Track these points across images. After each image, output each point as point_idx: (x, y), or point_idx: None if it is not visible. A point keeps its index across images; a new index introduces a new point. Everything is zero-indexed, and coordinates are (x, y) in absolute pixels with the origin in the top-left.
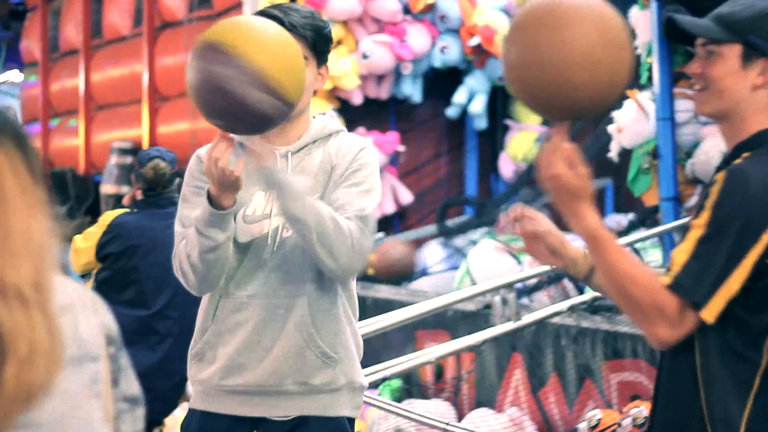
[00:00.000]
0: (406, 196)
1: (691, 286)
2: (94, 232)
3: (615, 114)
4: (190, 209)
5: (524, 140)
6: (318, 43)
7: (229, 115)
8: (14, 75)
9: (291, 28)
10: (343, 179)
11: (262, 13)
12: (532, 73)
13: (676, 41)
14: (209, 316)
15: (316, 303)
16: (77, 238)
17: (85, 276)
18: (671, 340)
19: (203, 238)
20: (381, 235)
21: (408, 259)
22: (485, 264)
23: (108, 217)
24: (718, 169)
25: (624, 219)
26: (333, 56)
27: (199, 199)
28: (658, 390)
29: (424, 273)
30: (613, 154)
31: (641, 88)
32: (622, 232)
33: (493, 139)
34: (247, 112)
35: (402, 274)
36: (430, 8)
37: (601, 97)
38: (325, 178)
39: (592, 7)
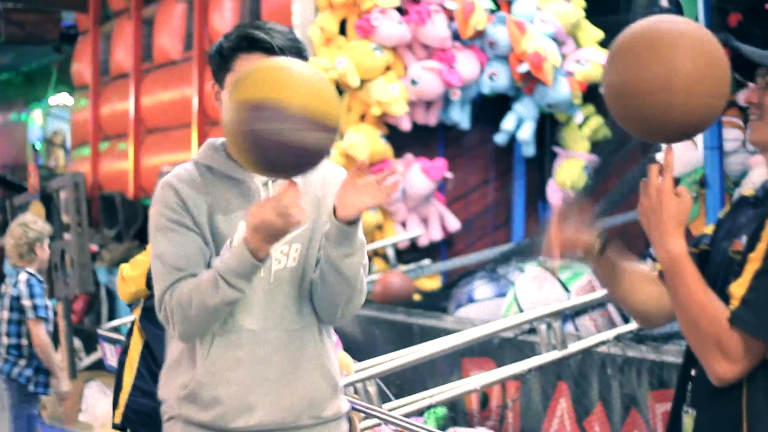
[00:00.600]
0: (454, 223)
1: (753, 320)
2: (143, 260)
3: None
4: (170, 246)
5: (572, 168)
6: None
7: (292, 165)
8: (65, 98)
9: (279, 51)
10: None
11: (249, 39)
12: (640, 99)
13: (733, 69)
14: (201, 355)
15: (322, 332)
16: (124, 266)
17: (132, 305)
18: (731, 377)
19: (230, 289)
20: (428, 262)
21: (407, 291)
22: (532, 292)
23: None
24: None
25: None
26: (382, 82)
27: (179, 235)
28: (700, 418)
29: (470, 300)
30: None
31: None
32: None
33: (541, 166)
34: (308, 155)
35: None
36: (480, 35)
37: (708, 117)
38: (313, 210)
39: (691, 29)
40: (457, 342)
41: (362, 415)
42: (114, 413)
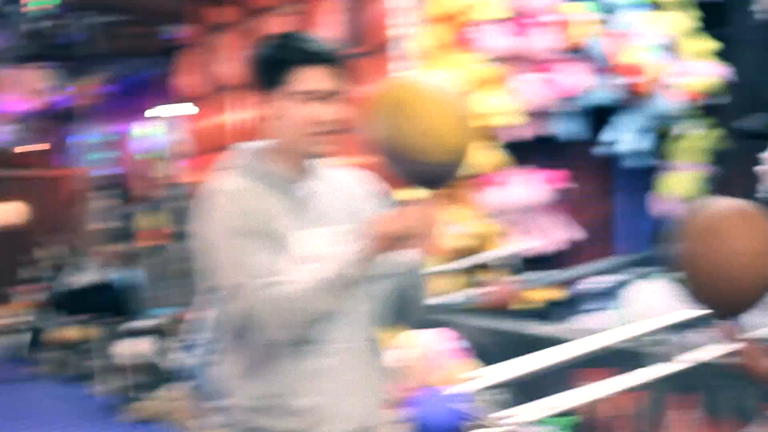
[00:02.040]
0: (569, 234)
1: None
2: None
3: (765, 155)
4: (244, 254)
5: (681, 180)
6: None
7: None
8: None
9: (337, 62)
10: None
11: (303, 51)
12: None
13: None
14: (277, 365)
15: (378, 343)
16: None
17: None
18: None
19: (339, 296)
20: (544, 272)
21: (517, 300)
22: (649, 303)
23: None
24: None
25: None
26: (494, 94)
27: (250, 243)
28: None
29: (587, 310)
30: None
31: None
32: None
33: (649, 178)
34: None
35: None
36: (583, 47)
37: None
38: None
39: (745, 212)
40: (577, 351)
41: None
42: None
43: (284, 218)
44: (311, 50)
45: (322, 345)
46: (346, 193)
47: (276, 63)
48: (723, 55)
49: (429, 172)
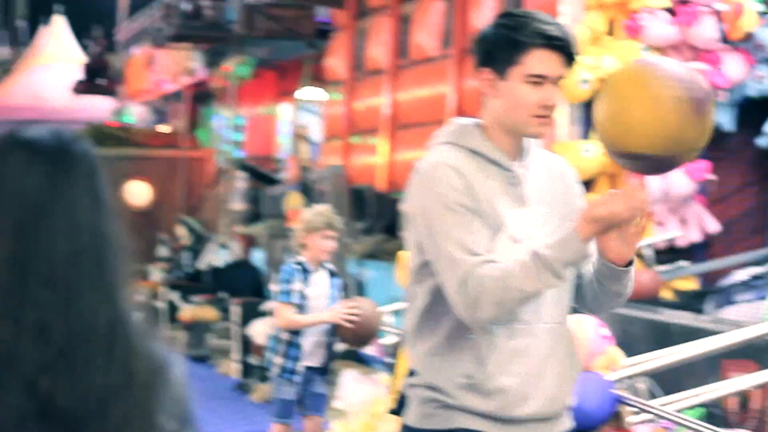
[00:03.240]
0: (713, 225)
1: None
2: None
3: None
4: (462, 229)
5: None
6: None
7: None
8: (314, 93)
9: (570, 55)
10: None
11: (548, 37)
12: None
13: None
14: (485, 345)
15: (567, 327)
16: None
17: None
18: None
19: (554, 277)
20: (685, 263)
21: (656, 289)
22: None
23: None
24: None
25: None
26: None
27: (469, 219)
28: None
29: (729, 302)
30: None
31: None
32: None
33: None
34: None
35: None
36: (749, 37)
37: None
38: (561, 205)
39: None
40: (723, 343)
41: (631, 410)
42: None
43: (501, 196)
44: (551, 35)
45: (517, 325)
46: (558, 175)
47: (513, 43)
48: None
49: (645, 164)
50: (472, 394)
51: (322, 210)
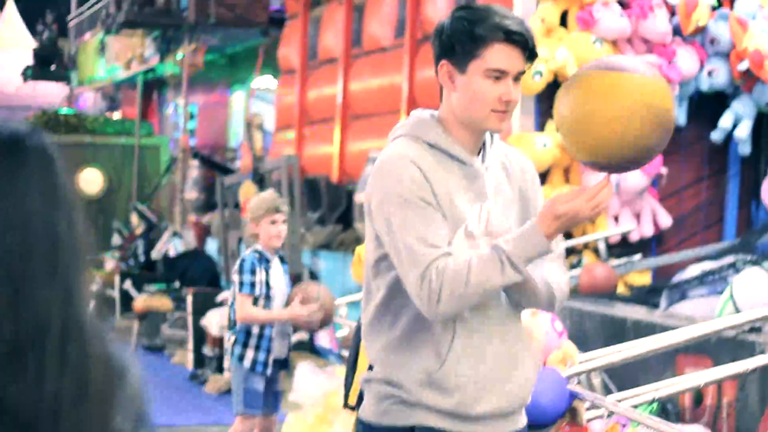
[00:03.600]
0: (666, 220)
1: None
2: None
3: None
4: (422, 222)
5: None
6: None
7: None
8: (268, 81)
9: (530, 50)
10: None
11: (508, 31)
12: None
13: None
14: (446, 340)
15: (523, 323)
16: (362, 249)
17: None
18: None
19: (515, 272)
20: (638, 257)
21: (611, 284)
22: (750, 291)
23: None
24: None
25: None
26: None
27: (428, 212)
28: None
29: (683, 297)
30: None
31: None
32: None
33: (756, 165)
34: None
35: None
36: (701, 31)
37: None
38: (520, 202)
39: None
40: (679, 338)
41: (586, 405)
42: (347, 394)
43: (460, 191)
44: (512, 30)
45: (476, 322)
46: (517, 169)
47: (473, 37)
48: None
49: (608, 168)
50: (430, 390)
51: (265, 196)
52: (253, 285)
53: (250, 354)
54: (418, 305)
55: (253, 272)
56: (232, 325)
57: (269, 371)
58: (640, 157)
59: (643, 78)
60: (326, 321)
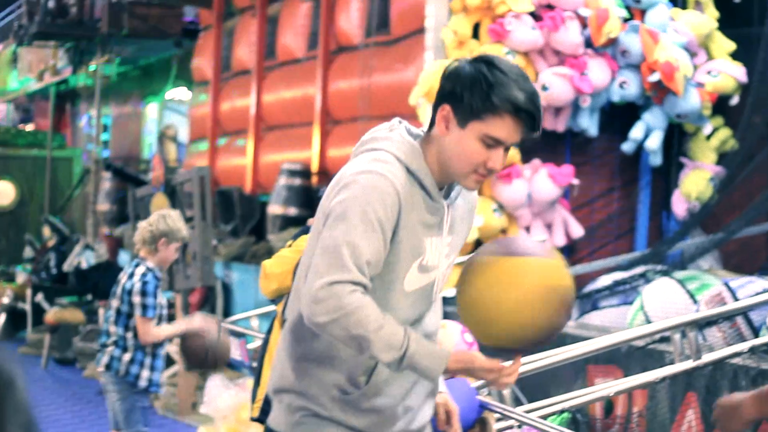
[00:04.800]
0: (577, 230)
1: None
2: (289, 257)
3: None
4: (366, 243)
5: (698, 179)
6: None
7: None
8: (181, 93)
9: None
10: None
11: (521, 110)
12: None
13: None
14: (366, 366)
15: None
16: (267, 263)
17: (275, 300)
18: None
19: (396, 363)
20: None
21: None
22: (660, 301)
23: (304, 241)
24: None
25: None
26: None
27: (377, 237)
28: None
29: (594, 307)
30: None
31: None
32: None
33: (667, 176)
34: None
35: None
36: (612, 43)
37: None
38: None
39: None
40: (589, 348)
41: (496, 416)
42: (252, 407)
43: (422, 224)
44: (524, 107)
45: None
46: (471, 207)
47: (486, 102)
48: (739, 56)
49: (516, 350)
50: (344, 409)
51: (178, 222)
52: (155, 308)
53: (145, 374)
54: (306, 301)
55: (155, 295)
56: (119, 339)
57: (161, 390)
58: (549, 338)
59: (542, 261)
60: (219, 360)
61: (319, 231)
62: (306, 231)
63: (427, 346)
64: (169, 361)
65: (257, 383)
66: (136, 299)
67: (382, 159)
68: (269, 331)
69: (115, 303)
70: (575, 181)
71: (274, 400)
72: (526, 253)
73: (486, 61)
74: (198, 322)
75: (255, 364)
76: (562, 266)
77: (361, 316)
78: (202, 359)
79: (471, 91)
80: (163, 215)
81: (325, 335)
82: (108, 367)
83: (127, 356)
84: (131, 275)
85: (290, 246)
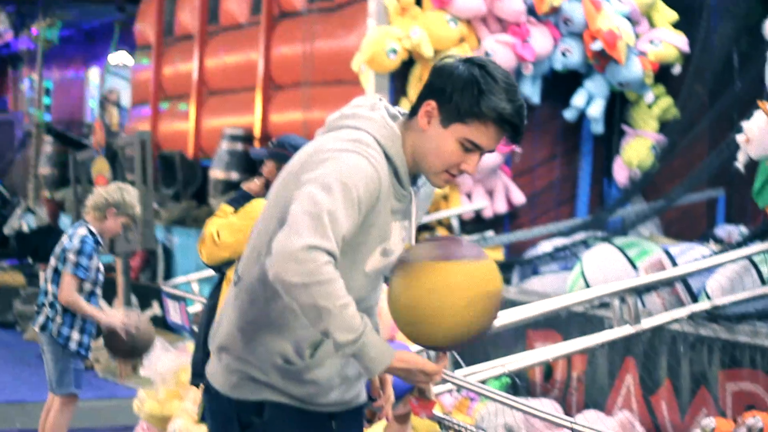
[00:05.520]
0: (519, 197)
1: None
2: (242, 225)
3: (744, 124)
4: (344, 218)
5: (640, 147)
6: None
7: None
8: (124, 57)
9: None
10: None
11: (509, 123)
12: None
13: None
14: (313, 339)
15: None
16: (221, 231)
17: (216, 266)
18: None
19: (346, 346)
20: (491, 233)
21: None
22: (600, 267)
23: (255, 208)
24: None
25: (735, 230)
26: (455, 54)
27: (353, 216)
28: None
29: (534, 273)
30: (740, 164)
31: None
32: (739, 244)
33: (608, 144)
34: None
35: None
36: (555, 11)
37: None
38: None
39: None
40: (530, 313)
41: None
42: (194, 373)
43: (391, 209)
44: (508, 119)
45: None
46: (429, 193)
47: (474, 108)
48: (681, 25)
49: (448, 348)
50: (284, 377)
51: (132, 195)
52: (87, 270)
53: (75, 336)
54: (281, 258)
55: (90, 257)
56: (54, 299)
57: (90, 354)
58: (481, 337)
59: (479, 265)
60: (141, 350)
61: (288, 196)
62: (245, 196)
63: (379, 340)
64: None
65: (202, 349)
66: (71, 257)
67: (365, 141)
68: (214, 295)
69: (53, 261)
70: (517, 148)
71: (214, 356)
72: (463, 256)
73: (480, 65)
74: (119, 317)
75: (196, 328)
76: (495, 268)
77: (331, 289)
78: (126, 351)
79: (461, 93)
80: (121, 188)
81: (287, 298)
82: (43, 327)
83: (59, 318)
84: (72, 235)
85: (236, 213)
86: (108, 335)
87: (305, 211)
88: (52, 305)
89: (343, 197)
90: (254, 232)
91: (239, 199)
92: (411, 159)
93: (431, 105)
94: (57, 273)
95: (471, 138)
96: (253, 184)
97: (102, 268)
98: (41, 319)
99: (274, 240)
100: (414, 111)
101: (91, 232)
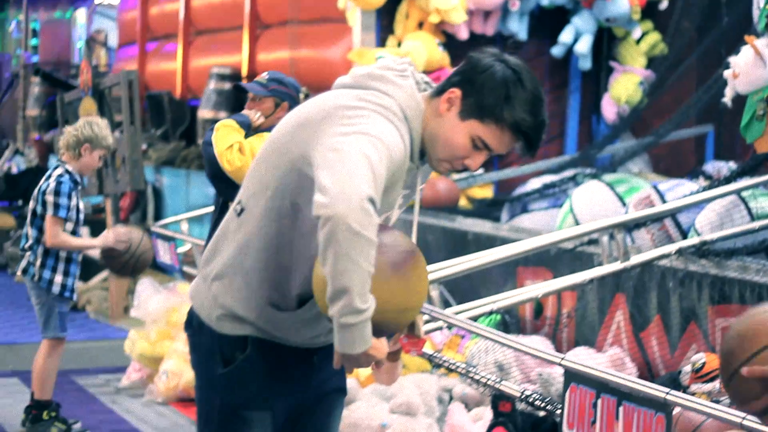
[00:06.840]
0: None
1: None
2: (243, 159)
3: (731, 59)
4: (380, 183)
5: (628, 83)
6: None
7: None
8: None
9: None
10: None
11: (525, 135)
12: None
13: None
14: (296, 288)
15: None
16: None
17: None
18: None
19: (358, 302)
20: (480, 171)
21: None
22: (589, 203)
23: (256, 143)
24: None
25: (724, 166)
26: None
27: (381, 180)
28: None
29: (524, 210)
30: (727, 99)
31: (759, 34)
32: (727, 179)
33: (596, 80)
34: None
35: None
36: None
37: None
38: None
39: None
40: (520, 250)
41: (424, 318)
42: None
43: (401, 182)
44: (527, 131)
45: None
46: (427, 171)
47: (498, 111)
48: None
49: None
50: (266, 322)
51: (105, 129)
52: (68, 209)
53: (58, 279)
54: (348, 201)
55: (69, 196)
56: (34, 243)
57: (75, 296)
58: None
59: (419, 254)
60: (141, 265)
61: (306, 139)
62: (248, 125)
63: (369, 326)
64: (99, 267)
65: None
66: (49, 198)
67: (393, 110)
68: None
69: (32, 204)
70: None
71: (204, 281)
72: (414, 250)
73: (515, 70)
74: (109, 236)
75: (186, 268)
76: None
77: (372, 252)
78: (128, 264)
79: (488, 92)
80: (90, 122)
81: (327, 237)
82: (24, 271)
83: (38, 261)
84: (48, 176)
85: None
86: (106, 257)
87: (362, 156)
88: (32, 248)
89: (386, 157)
90: (261, 166)
91: (244, 125)
92: (423, 136)
93: (455, 93)
94: (36, 216)
95: (484, 137)
96: (255, 117)
97: (82, 207)
98: (23, 263)
99: (327, 176)
100: (439, 91)
101: (68, 172)
